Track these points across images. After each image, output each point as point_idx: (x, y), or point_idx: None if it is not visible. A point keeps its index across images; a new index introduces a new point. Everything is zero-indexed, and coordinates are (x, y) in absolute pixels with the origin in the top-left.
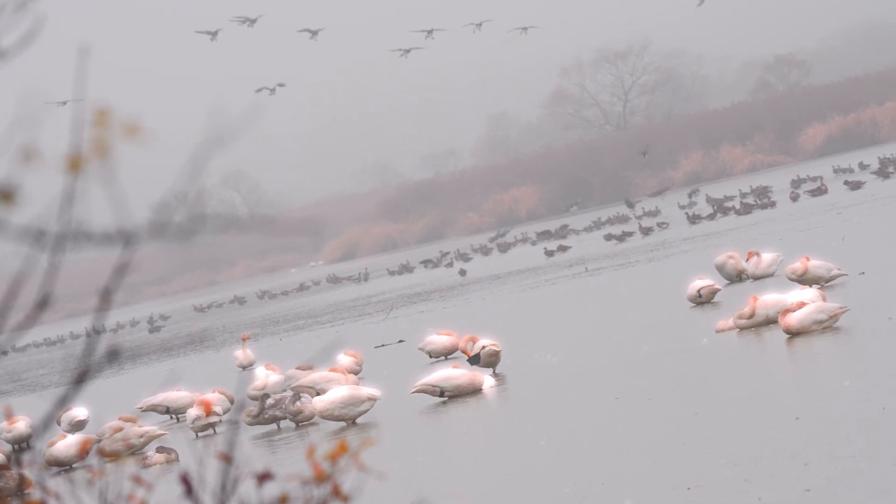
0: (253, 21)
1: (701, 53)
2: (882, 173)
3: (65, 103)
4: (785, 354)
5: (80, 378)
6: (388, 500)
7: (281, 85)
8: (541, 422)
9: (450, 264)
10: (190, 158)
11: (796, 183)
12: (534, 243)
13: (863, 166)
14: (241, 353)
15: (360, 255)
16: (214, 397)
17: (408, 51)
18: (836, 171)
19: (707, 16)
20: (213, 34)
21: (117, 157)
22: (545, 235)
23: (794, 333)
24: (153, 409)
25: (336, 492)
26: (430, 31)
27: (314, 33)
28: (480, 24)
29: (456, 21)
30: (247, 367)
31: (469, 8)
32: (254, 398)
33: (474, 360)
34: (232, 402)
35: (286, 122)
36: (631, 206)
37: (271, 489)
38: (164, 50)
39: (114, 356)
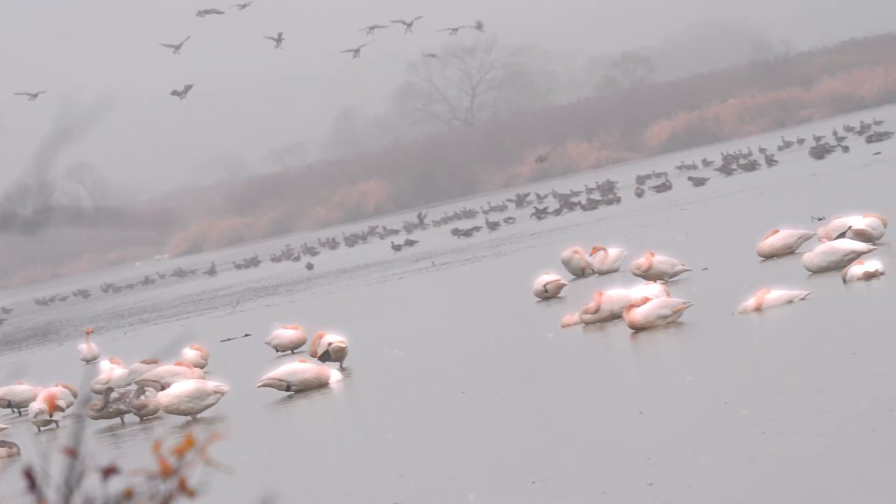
0: (206, 12)
1: (548, 49)
2: (725, 170)
3: (35, 95)
4: (629, 349)
5: None
6: (236, 494)
7: (188, 87)
8: (387, 416)
9: (297, 258)
10: (37, 151)
11: (641, 179)
12: (382, 237)
13: (706, 163)
14: (85, 347)
15: (207, 248)
16: (58, 391)
17: (357, 50)
18: (680, 168)
19: (554, 12)
20: (177, 47)
21: None
22: (392, 232)
23: (638, 328)
24: None
25: (182, 486)
26: (371, 28)
27: (278, 41)
28: (411, 24)
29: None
30: (91, 360)
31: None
32: (98, 392)
33: (324, 356)
34: (75, 395)
35: (132, 113)
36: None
37: (116, 484)
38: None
39: None
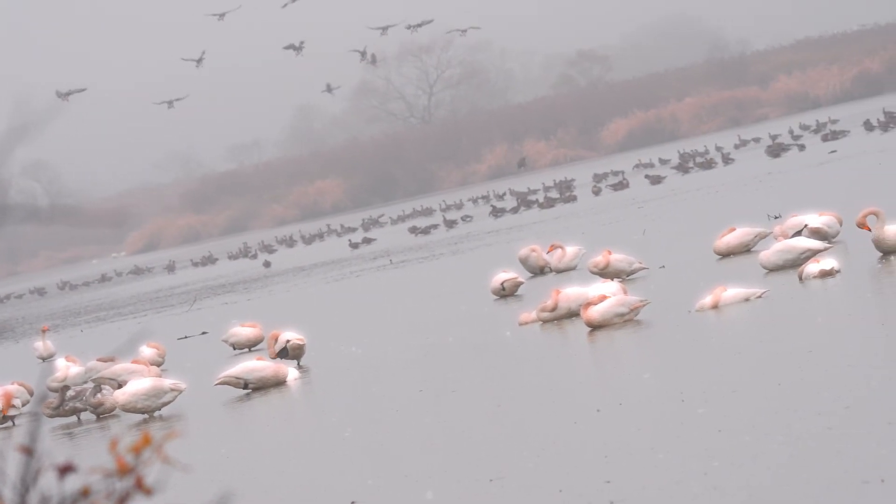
0: (222, 15)
1: (505, 47)
2: (682, 168)
3: (68, 94)
4: (587, 347)
5: None
6: (193, 492)
7: (178, 98)
8: (345, 414)
9: (254, 256)
10: None
11: (598, 177)
12: (339, 235)
13: (663, 161)
14: (42, 345)
15: (163, 246)
16: (14, 389)
17: (364, 52)
18: (637, 166)
19: (511, 9)
20: (199, 61)
21: None
22: (350, 230)
23: (595, 326)
24: None
25: (139, 484)
26: (384, 28)
27: (298, 49)
28: (419, 25)
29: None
30: (47, 358)
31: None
32: (54, 390)
33: (283, 353)
34: (31, 393)
35: (88, 111)
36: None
37: (73, 482)
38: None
39: None
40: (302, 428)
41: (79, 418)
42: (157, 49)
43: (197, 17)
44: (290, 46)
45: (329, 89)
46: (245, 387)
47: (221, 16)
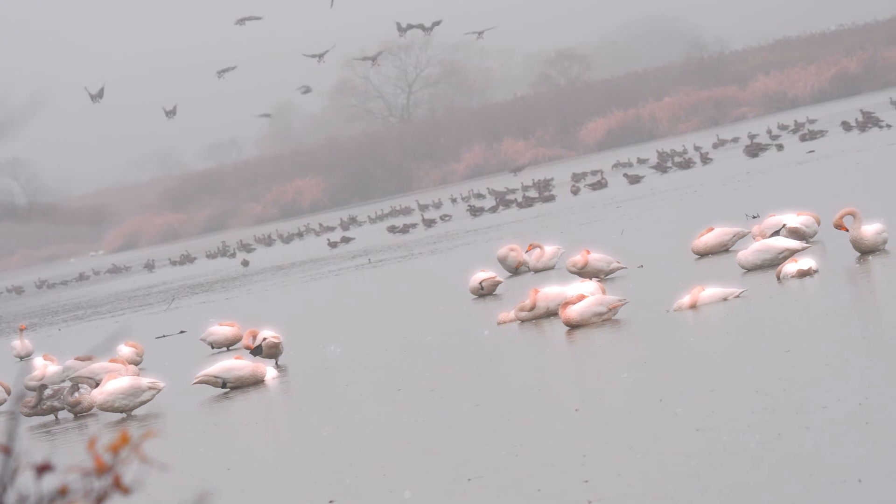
0: (244, 20)
1: (484, 46)
2: (660, 168)
3: (99, 93)
4: (565, 346)
5: None
6: (171, 491)
7: (174, 107)
8: (323, 413)
9: (233, 254)
10: None
11: (577, 177)
12: (318, 234)
13: (641, 161)
14: (19, 343)
15: (142, 244)
16: None
17: (375, 58)
18: (615, 166)
19: (490, 8)
20: (221, 73)
21: None
22: (328, 229)
23: (574, 326)
24: None
25: (117, 483)
26: (404, 29)
27: (321, 56)
28: (430, 28)
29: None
30: (24, 357)
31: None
32: (31, 389)
33: (257, 351)
34: (9, 392)
35: (65, 109)
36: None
37: (51, 481)
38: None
39: None
40: (280, 427)
41: (56, 417)
42: (139, 42)
43: (182, 13)
44: (312, 55)
45: (306, 90)
46: (223, 386)
47: (243, 21)
